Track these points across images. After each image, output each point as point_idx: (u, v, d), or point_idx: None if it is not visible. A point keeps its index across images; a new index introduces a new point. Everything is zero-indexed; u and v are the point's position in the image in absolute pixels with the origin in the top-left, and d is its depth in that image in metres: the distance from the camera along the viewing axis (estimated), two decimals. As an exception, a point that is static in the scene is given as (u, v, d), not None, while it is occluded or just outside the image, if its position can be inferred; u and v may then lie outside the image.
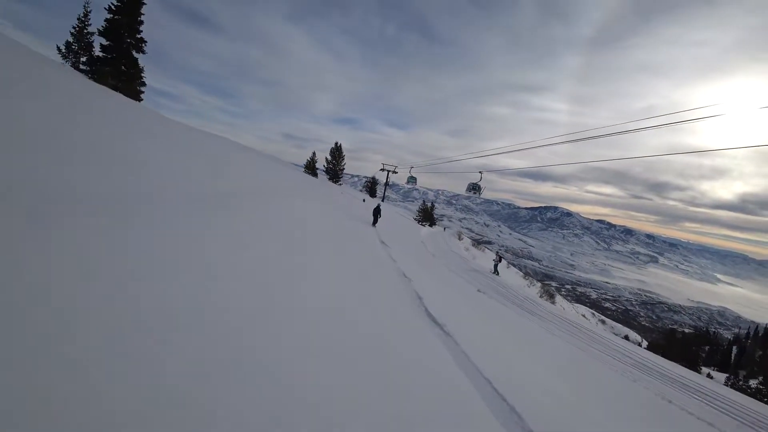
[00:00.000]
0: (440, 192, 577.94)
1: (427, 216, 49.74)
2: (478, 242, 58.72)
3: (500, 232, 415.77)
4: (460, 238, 52.69)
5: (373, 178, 51.67)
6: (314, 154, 38.66)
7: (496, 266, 25.82)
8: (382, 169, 49.26)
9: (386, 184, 49.37)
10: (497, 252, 26.97)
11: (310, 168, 38.73)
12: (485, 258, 41.31)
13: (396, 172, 46.76)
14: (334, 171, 41.65)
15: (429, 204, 51.65)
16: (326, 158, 41.45)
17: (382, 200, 50.80)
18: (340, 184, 41.96)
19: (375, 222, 20.90)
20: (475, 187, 19.01)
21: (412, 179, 40.16)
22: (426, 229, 43.80)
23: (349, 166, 45.38)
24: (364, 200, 35.43)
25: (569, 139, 11.40)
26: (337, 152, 41.58)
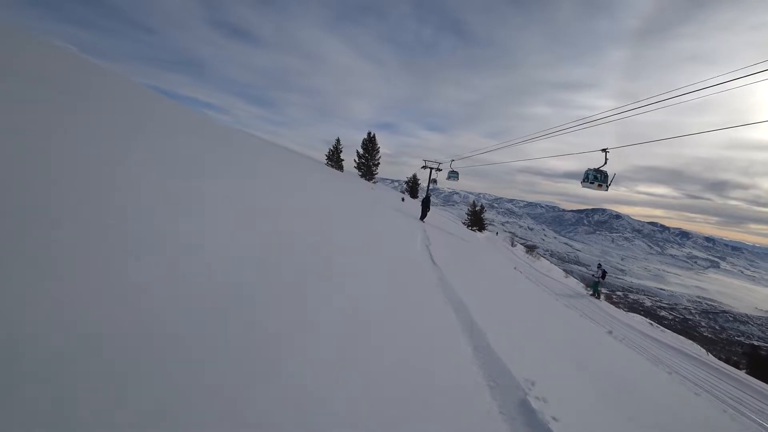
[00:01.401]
0: (482, 195, 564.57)
1: (477, 220, 42.84)
2: (530, 248, 51.84)
3: (545, 235, 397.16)
4: (513, 244, 46.20)
5: (414, 176, 44.53)
6: (338, 141, 31.77)
7: (596, 285, 18.28)
8: (424, 167, 42.39)
9: (429, 182, 42.41)
10: (599, 264, 19.17)
11: (334, 159, 31.83)
12: (552, 269, 33.82)
13: (440, 170, 40.31)
14: (367, 166, 34.66)
15: (479, 206, 44.17)
16: (357, 152, 34.63)
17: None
18: (375, 182, 35.00)
19: (423, 216, 17.77)
20: (597, 177, 11.42)
21: (453, 174, 34.33)
22: (481, 236, 36.83)
23: (388, 170, 39.47)
24: (402, 199, 28.81)
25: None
26: (370, 144, 34.55)
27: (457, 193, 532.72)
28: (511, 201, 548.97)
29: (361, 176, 34.45)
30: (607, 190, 11.55)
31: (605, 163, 11.41)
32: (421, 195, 48.48)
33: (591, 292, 18.21)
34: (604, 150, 11.30)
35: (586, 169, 11.60)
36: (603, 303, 17.18)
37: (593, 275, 18.69)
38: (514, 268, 17.03)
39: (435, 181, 39.88)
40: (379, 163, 34.98)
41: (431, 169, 41.65)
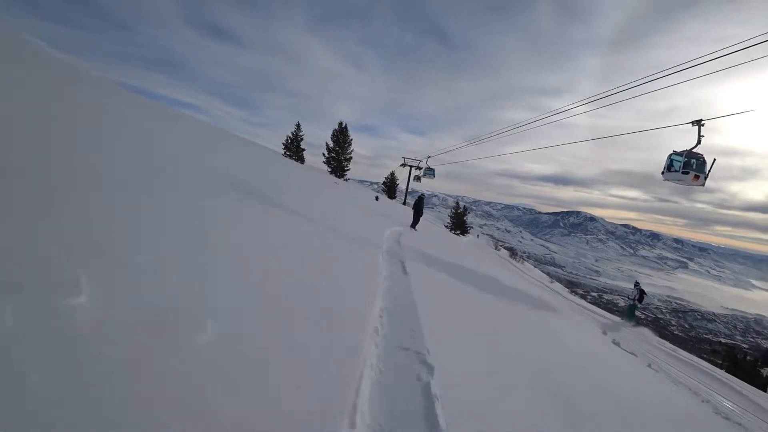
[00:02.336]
0: (460, 197, 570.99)
1: (459, 223, 39.01)
2: (512, 252, 48.61)
3: (522, 237, 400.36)
4: (497, 248, 43.13)
5: (392, 175, 39.82)
6: (298, 127, 26.51)
7: (632, 310, 14.07)
8: (404, 165, 38.14)
9: (408, 182, 38.06)
10: (636, 283, 14.78)
11: (292, 149, 26.48)
12: (541, 276, 30.23)
13: (420, 168, 36.46)
14: (338, 161, 29.79)
15: (461, 208, 40.19)
16: (326, 144, 29.64)
17: (404, 203, 39.36)
18: (347, 180, 30.14)
19: (415, 222, 14.56)
20: (691, 163, 7.28)
21: (429, 171, 33.36)
22: (465, 239, 32.85)
23: (368, 173, 35.88)
24: (377, 198, 24.30)
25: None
26: (341, 135, 29.71)
27: (435, 196, 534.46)
28: (488, 203, 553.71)
29: (331, 173, 29.57)
30: (704, 184, 7.37)
31: (698, 143, 7.24)
32: (400, 196, 43.98)
33: (631, 322, 13.95)
34: (697, 122, 7.15)
35: (671, 153, 7.40)
36: (651, 335, 12.95)
37: (628, 296, 14.56)
38: (610, 339, 10.15)
39: (418, 178, 35.83)
40: (351, 158, 30.22)
41: (411, 167, 37.28)
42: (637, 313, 14.14)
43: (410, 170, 37.05)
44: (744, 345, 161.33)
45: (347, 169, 30.31)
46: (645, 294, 14.08)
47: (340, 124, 29.83)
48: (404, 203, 38.51)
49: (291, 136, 26.02)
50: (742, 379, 11.97)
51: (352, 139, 30.19)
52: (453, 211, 40.62)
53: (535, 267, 42.95)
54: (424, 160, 36.35)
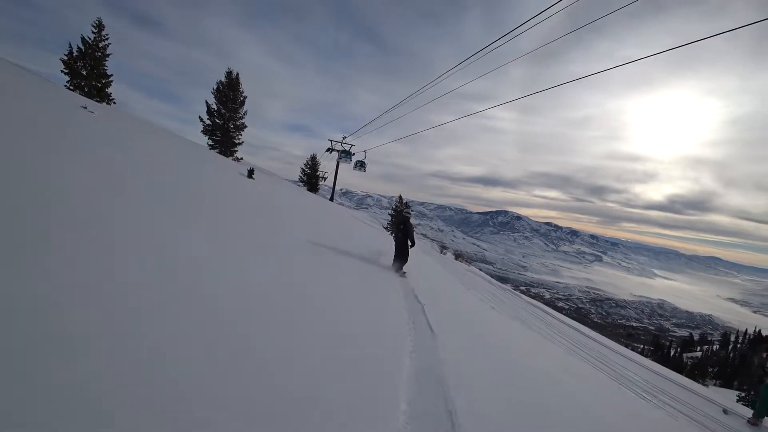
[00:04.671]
0: (393, 198, 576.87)
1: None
2: (458, 255, 42.63)
3: (454, 236, 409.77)
4: (442, 252, 37.33)
5: (313, 158, 30.51)
6: (98, 25, 15.01)
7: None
8: (330, 149, 29.39)
9: (337, 171, 29.47)
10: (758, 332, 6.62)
11: (78, 73, 15.02)
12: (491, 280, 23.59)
13: (352, 153, 28.24)
14: (224, 129, 19.82)
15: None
16: (206, 104, 19.56)
17: (331, 198, 30.59)
18: (239, 159, 20.38)
19: (401, 260, 8.08)
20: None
21: (344, 155, 27.62)
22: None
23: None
24: (251, 173, 14.48)
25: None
26: (228, 91, 19.65)
27: (370, 196, 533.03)
28: (422, 204, 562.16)
29: (212, 147, 19.41)
30: None
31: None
32: (325, 191, 34.89)
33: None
34: None
35: None
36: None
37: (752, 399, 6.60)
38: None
39: (362, 166, 27.55)
40: (244, 125, 20.27)
41: (340, 153, 28.70)
42: None
43: (339, 158, 28.42)
44: (651, 327, 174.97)
45: (239, 143, 20.33)
46: None
47: (229, 73, 19.60)
48: (331, 199, 29.82)
49: (79, 47, 14.27)
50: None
51: (246, 97, 20.04)
52: (393, 210, 32.32)
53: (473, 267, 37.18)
54: (341, 143, 28.23)
